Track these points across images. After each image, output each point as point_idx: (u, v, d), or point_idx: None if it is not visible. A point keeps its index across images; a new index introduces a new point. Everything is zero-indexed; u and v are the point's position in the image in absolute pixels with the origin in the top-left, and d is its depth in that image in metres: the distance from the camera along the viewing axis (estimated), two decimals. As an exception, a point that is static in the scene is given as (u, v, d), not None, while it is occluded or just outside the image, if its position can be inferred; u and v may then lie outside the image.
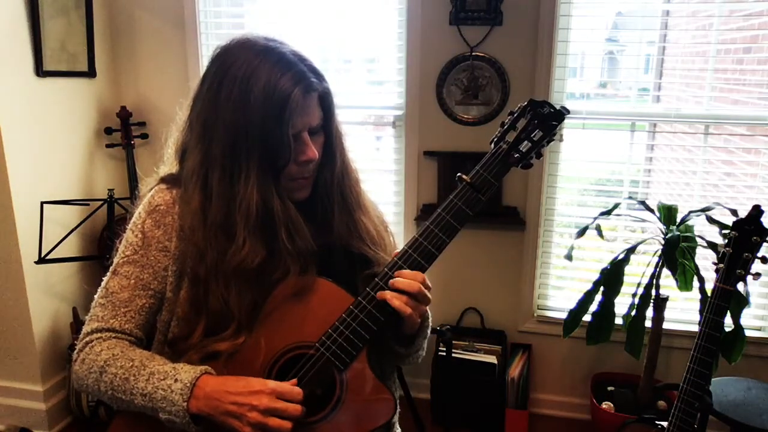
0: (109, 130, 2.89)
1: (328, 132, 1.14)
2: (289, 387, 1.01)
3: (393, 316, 1.07)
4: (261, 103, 1.03)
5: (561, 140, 2.67)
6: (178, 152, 1.17)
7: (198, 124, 1.10)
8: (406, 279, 1.06)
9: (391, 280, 1.06)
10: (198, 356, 1.08)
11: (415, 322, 1.10)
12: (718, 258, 1.57)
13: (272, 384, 1.00)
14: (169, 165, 1.20)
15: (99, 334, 1.10)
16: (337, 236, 1.17)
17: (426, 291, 1.07)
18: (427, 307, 1.13)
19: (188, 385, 1.00)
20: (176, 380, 1.01)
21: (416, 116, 2.75)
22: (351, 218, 1.18)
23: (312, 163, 1.11)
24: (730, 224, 1.56)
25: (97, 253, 2.89)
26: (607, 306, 2.43)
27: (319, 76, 1.09)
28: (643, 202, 2.49)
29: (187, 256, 1.10)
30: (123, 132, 2.86)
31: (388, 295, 1.05)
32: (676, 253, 2.27)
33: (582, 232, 2.49)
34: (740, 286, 1.59)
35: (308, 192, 1.16)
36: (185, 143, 1.15)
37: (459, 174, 1.09)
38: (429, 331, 1.22)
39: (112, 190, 2.71)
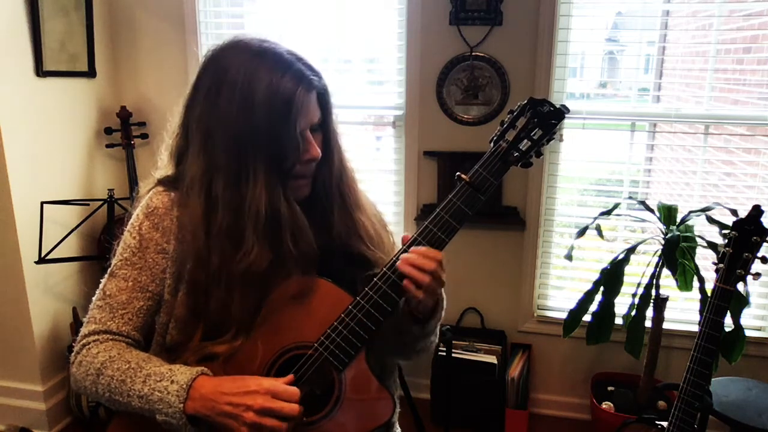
0: (109, 130, 2.89)
1: (326, 130, 1.14)
2: (285, 387, 1.00)
3: (393, 315, 1.06)
4: (265, 105, 1.02)
5: (561, 140, 2.68)
6: (173, 156, 1.16)
7: (198, 133, 1.08)
8: (422, 256, 1.03)
9: (403, 255, 1.04)
10: (195, 358, 1.08)
11: (428, 305, 1.10)
12: (718, 258, 1.57)
13: (267, 384, 1.00)
14: (164, 169, 1.19)
15: (96, 336, 1.10)
16: (336, 236, 1.17)
17: (441, 272, 1.05)
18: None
19: (184, 386, 1.00)
20: (172, 382, 1.00)
21: (416, 116, 2.75)
22: (350, 217, 1.18)
23: (315, 161, 1.11)
24: (730, 224, 1.55)
25: (96, 253, 2.89)
26: (607, 306, 2.43)
27: (317, 74, 1.09)
28: (643, 202, 2.49)
29: (186, 259, 1.10)
30: (123, 132, 2.86)
31: (406, 269, 1.02)
32: (676, 253, 2.27)
33: (582, 232, 2.49)
34: (740, 286, 1.59)
35: (308, 190, 1.15)
36: (180, 148, 1.14)
37: (458, 173, 1.09)
38: (443, 313, 1.19)
39: (112, 190, 2.71)
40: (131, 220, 1.15)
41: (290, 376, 1.04)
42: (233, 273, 1.06)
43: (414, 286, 1.03)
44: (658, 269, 2.41)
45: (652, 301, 2.41)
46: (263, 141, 1.04)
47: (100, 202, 2.68)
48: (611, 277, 2.41)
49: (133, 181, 2.86)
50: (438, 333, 1.24)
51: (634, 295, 2.42)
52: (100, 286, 1.14)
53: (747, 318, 2.59)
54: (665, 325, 2.51)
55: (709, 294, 1.61)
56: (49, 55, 2.61)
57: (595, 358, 2.82)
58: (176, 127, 1.15)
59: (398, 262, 1.04)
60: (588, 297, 2.47)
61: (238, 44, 1.08)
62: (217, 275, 1.07)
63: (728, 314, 1.72)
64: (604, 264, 2.46)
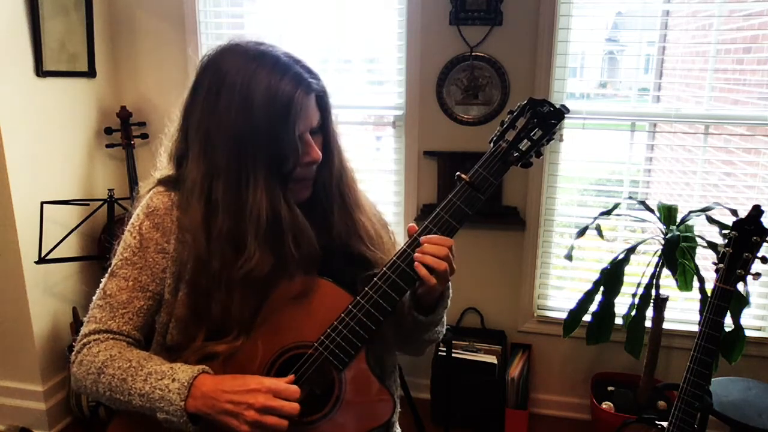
0: (109, 130, 2.89)
1: (325, 132, 1.14)
2: (285, 385, 1.00)
3: (393, 315, 1.06)
4: (265, 108, 1.02)
5: (561, 140, 2.67)
6: (173, 159, 1.16)
7: (198, 137, 1.08)
8: (436, 244, 1.05)
9: (419, 248, 1.05)
10: (195, 357, 1.08)
11: (437, 292, 1.10)
12: (718, 258, 1.57)
13: (268, 382, 1.00)
14: (164, 170, 1.19)
15: (97, 336, 1.10)
16: (336, 236, 1.17)
17: (452, 259, 1.06)
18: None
19: (185, 384, 1.00)
20: (173, 380, 1.01)
21: (416, 116, 2.75)
22: (350, 218, 1.18)
23: (315, 164, 1.11)
24: (730, 224, 1.55)
25: (96, 253, 2.89)
26: (607, 306, 2.43)
27: (316, 76, 1.09)
28: (643, 202, 2.49)
29: (186, 261, 1.10)
30: (123, 132, 2.86)
31: (422, 258, 1.04)
32: (676, 253, 2.27)
33: (582, 232, 2.49)
34: (740, 286, 1.59)
35: (309, 192, 1.15)
36: (180, 151, 1.14)
37: (458, 173, 1.09)
38: (449, 302, 1.20)
39: (112, 190, 2.71)
40: (131, 220, 1.15)
41: (291, 376, 1.04)
42: (234, 277, 1.06)
43: (428, 272, 1.04)
44: (658, 269, 2.41)
45: (652, 301, 2.41)
46: (263, 144, 1.03)
47: (100, 202, 2.68)
48: (611, 277, 2.41)
49: (133, 181, 2.86)
50: (445, 323, 1.24)
51: (634, 295, 2.42)
52: (101, 285, 1.14)
53: (747, 318, 2.59)
54: (665, 325, 2.51)
55: (709, 294, 1.61)
56: (49, 55, 2.61)
57: (595, 358, 2.82)
58: (175, 131, 1.15)
59: (415, 253, 1.05)
60: (588, 297, 2.47)
61: (235, 47, 1.08)
62: (218, 279, 1.07)
63: (728, 314, 1.72)
64: (604, 264, 2.46)
